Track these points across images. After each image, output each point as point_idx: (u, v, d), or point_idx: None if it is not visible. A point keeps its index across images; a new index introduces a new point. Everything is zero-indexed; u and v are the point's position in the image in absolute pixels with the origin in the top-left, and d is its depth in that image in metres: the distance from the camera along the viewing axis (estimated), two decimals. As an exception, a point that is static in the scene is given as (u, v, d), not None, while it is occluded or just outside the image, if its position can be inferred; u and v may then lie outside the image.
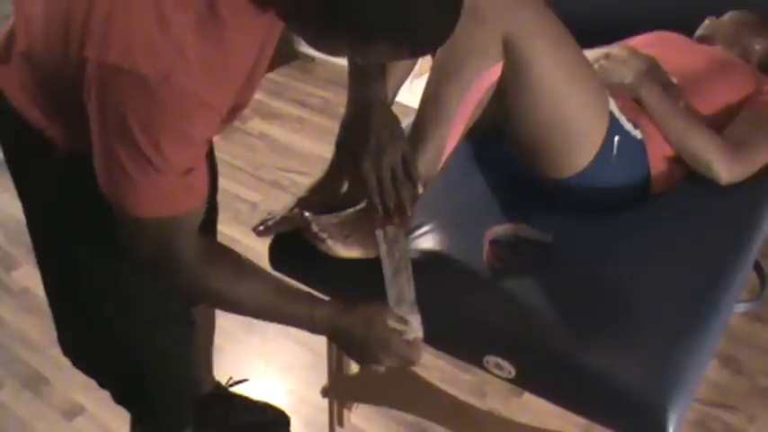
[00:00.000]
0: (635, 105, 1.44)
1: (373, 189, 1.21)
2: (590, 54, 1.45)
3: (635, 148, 1.39)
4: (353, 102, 1.24)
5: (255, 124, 2.97)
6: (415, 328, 1.18)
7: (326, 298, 1.22)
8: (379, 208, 1.21)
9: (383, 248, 1.22)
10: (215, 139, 1.18)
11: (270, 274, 1.15)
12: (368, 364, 1.19)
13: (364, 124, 1.21)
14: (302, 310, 1.15)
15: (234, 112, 1.03)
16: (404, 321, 1.18)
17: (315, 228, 1.24)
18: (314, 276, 1.38)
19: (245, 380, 1.82)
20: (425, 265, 1.31)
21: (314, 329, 1.17)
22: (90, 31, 0.89)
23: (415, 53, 0.94)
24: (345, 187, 1.30)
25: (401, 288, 1.21)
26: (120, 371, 1.31)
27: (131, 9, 0.87)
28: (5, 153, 1.17)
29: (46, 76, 1.01)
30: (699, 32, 1.76)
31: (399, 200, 1.21)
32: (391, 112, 1.25)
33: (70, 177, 1.10)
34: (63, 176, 1.11)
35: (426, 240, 1.34)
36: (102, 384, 1.36)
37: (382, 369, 1.18)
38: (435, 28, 0.89)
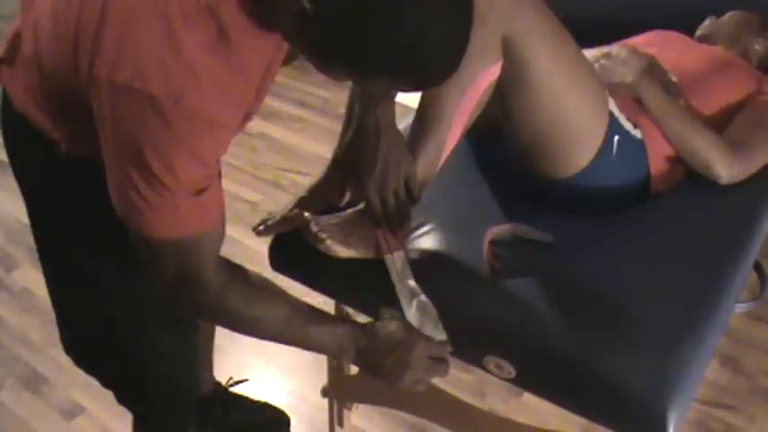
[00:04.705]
0: (635, 105, 1.44)
1: (378, 212, 1.22)
2: (590, 54, 1.45)
3: (635, 148, 1.39)
4: (362, 123, 1.22)
5: (255, 124, 2.97)
6: (440, 344, 1.17)
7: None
8: (384, 226, 1.23)
9: (394, 275, 1.20)
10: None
11: (289, 294, 1.13)
12: (394, 383, 1.16)
13: (372, 150, 1.21)
14: (324, 329, 1.12)
15: (242, 123, 1.03)
16: (427, 338, 1.16)
17: (314, 228, 1.24)
18: (314, 277, 1.38)
19: (245, 380, 1.82)
20: (425, 265, 1.31)
21: (340, 349, 1.14)
22: (101, 48, 0.88)
23: (418, 88, 0.93)
24: (346, 198, 1.30)
25: (423, 308, 1.19)
26: (123, 371, 1.31)
27: (143, 29, 0.87)
28: (9, 152, 1.17)
29: (52, 83, 1.01)
30: (699, 32, 1.76)
31: (401, 215, 1.23)
32: (398, 133, 1.24)
33: (73, 178, 1.10)
34: (66, 177, 1.11)
35: (426, 240, 1.33)
36: (104, 384, 1.36)
37: (422, 388, 1.17)
38: (441, 68, 0.88)
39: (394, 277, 1.21)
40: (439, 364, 1.17)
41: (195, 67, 0.88)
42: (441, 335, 1.17)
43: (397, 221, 1.24)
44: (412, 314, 1.17)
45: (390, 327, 1.15)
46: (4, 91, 1.10)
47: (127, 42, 0.87)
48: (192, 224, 0.97)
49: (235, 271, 1.08)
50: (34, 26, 1.01)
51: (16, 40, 1.06)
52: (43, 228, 1.21)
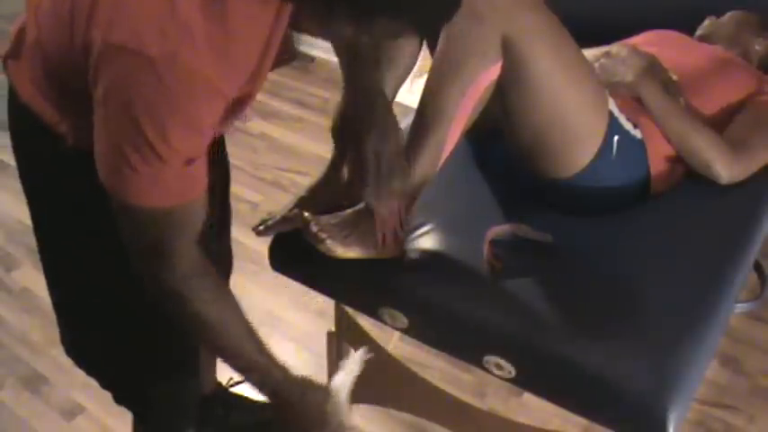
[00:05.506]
0: (635, 105, 1.44)
1: (373, 172, 1.22)
2: (590, 54, 1.45)
3: (635, 148, 1.39)
4: (354, 87, 1.24)
5: (255, 124, 2.97)
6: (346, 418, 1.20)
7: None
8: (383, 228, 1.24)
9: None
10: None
11: (245, 316, 1.13)
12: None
13: (369, 108, 1.22)
14: (263, 360, 1.14)
15: (239, 104, 1.02)
16: (339, 408, 1.19)
17: (314, 228, 1.24)
18: (314, 277, 1.39)
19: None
20: (425, 265, 1.31)
21: (260, 384, 1.16)
22: (95, 15, 0.89)
23: (421, 29, 0.93)
24: (346, 178, 1.30)
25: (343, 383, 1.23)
26: (123, 372, 1.31)
27: None
28: (14, 147, 1.17)
29: (53, 65, 1.01)
30: (699, 32, 1.76)
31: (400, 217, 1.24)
32: (390, 106, 1.25)
33: (78, 174, 1.09)
34: (71, 173, 1.10)
35: (426, 240, 1.33)
36: (104, 385, 1.36)
37: None
38: (444, 2, 0.90)
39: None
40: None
41: (190, 26, 0.87)
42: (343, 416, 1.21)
43: (397, 224, 1.25)
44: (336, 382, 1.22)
45: (316, 398, 1.18)
46: (11, 86, 1.10)
47: (122, 5, 0.88)
48: (176, 194, 0.97)
49: (206, 268, 1.07)
50: (35, 10, 1.03)
51: (21, 34, 1.07)
52: (45, 226, 1.21)
